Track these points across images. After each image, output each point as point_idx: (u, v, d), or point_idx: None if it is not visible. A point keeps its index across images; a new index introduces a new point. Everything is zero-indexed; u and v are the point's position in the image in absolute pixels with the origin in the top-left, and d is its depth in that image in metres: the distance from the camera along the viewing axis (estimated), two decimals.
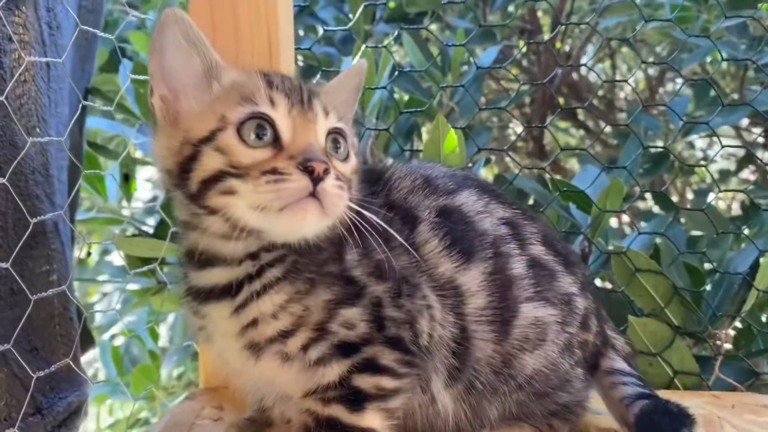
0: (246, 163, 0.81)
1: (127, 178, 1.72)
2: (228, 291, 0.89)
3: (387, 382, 0.88)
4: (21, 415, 1.00)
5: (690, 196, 2.63)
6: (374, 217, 0.87)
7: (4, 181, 0.94)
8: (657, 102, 2.43)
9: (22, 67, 0.99)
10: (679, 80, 2.34)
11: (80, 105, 1.38)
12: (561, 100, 2.49)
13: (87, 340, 1.56)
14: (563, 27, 2.31)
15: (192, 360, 1.92)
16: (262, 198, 0.79)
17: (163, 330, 2.07)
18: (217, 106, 0.86)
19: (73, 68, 1.38)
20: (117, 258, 1.83)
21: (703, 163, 2.37)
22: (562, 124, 2.80)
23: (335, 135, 0.89)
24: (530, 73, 2.59)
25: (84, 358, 2.42)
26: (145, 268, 1.51)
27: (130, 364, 1.88)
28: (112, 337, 2.17)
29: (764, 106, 1.62)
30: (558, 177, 1.74)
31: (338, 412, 0.87)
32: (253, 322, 0.88)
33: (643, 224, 1.85)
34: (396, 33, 1.81)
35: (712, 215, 1.61)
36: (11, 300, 1.01)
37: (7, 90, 0.96)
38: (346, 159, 0.90)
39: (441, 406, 0.96)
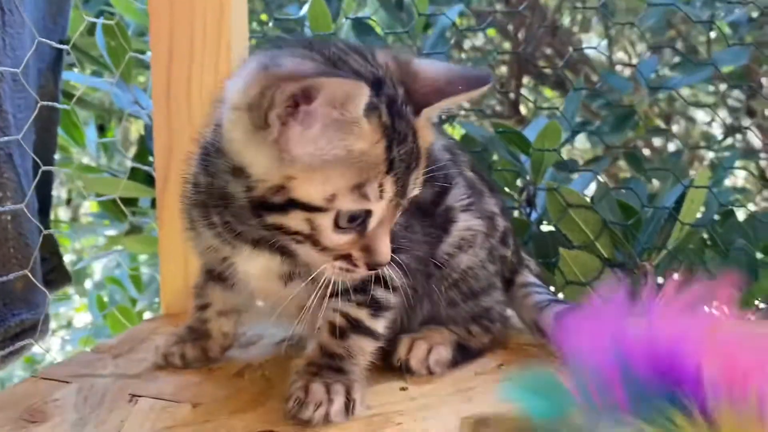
0: (328, 245, 0.83)
1: (102, 129, 1.82)
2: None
3: (392, 298, 0.98)
4: None
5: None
6: None
7: None
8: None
9: None
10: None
11: (54, 55, 1.49)
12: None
13: (63, 277, 1.67)
14: None
15: None
16: (327, 272, 0.85)
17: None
18: (332, 177, 0.78)
19: (43, 19, 1.48)
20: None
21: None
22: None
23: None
24: (509, 35, 2.63)
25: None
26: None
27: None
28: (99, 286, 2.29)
29: (725, 64, 1.68)
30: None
31: (363, 315, 0.97)
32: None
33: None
34: None
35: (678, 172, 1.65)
36: None
37: None
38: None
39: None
